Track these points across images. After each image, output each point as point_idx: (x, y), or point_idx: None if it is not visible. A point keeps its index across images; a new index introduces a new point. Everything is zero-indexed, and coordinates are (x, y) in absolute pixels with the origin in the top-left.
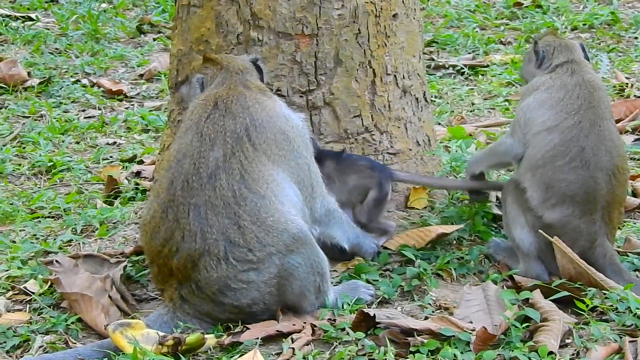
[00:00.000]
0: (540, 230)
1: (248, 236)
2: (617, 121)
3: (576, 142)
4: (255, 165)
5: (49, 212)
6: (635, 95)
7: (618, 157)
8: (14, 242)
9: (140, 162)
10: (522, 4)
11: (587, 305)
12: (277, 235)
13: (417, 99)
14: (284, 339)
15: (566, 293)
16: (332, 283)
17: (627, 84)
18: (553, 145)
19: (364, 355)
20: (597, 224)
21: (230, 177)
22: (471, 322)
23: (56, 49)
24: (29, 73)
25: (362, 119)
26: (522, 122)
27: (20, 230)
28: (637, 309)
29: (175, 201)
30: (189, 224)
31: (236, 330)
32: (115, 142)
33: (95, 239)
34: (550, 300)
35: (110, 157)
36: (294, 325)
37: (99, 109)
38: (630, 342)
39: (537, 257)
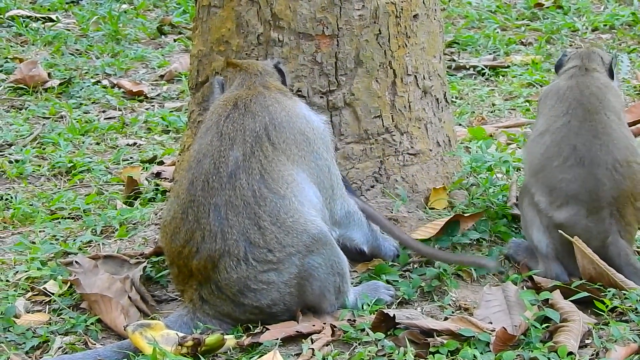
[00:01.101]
0: (560, 231)
1: (268, 237)
2: (636, 122)
3: (567, 141)
4: (275, 164)
5: (69, 213)
6: None
7: (619, 150)
8: (34, 243)
9: (161, 163)
10: (543, 4)
11: (607, 306)
12: (297, 235)
13: (437, 99)
14: (303, 340)
15: (586, 294)
16: (352, 284)
17: None
18: (546, 147)
19: (384, 356)
20: (606, 221)
21: (250, 176)
22: (491, 323)
23: (77, 49)
24: (49, 74)
25: (382, 119)
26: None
27: (40, 231)
28: None
29: (196, 201)
30: (209, 225)
31: (256, 331)
32: (135, 143)
33: (115, 240)
34: (570, 300)
35: (131, 158)
36: (313, 325)
37: (120, 110)
38: None
39: (555, 258)
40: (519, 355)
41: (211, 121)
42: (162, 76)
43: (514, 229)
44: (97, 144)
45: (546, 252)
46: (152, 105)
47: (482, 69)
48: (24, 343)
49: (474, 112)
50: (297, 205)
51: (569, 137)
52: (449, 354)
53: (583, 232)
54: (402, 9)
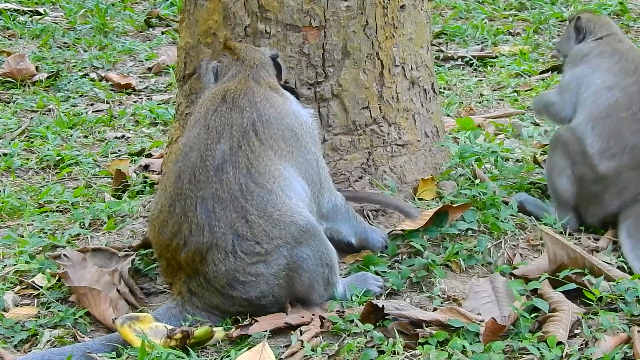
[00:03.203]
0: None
1: (256, 230)
2: None
3: (637, 99)
4: (262, 159)
5: (57, 206)
6: None
7: None
8: (22, 236)
9: (149, 156)
10: None
11: (596, 295)
12: (284, 227)
13: (425, 90)
14: (292, 332)
15: (574, 285)
16: (340, 275)
17: None
18: (615, 99)
19: (373, 347)
20: None
21: (237, 170)
22: (480, 314)
23: (64, 42)
24: (37, 67)
25: (370, 110)
26: (572, 86)
27: (28, 225)
28: None
29: (183, 194)
30: (197, 218)
31: (245, 323)
32: (123, 136)
33: (104, 233)
34: (559, 290)
35: (119, 150)
36: (302, 317)
37: (107, 103)
38: (639, 331)
39: (572, 208)
40: (508, 345)
41: (199, 114)
42: (149, 69)
43: (502, 219)
44: (85, 137)
45: (567, 200)
46: (140, 98)
47: (470, 60)
48: (13, 336)
49: (462, 102)
50: (285, 198)
51: (639, 94)
52: (438, 344)
53: (623, 182)
54: (389, 0)
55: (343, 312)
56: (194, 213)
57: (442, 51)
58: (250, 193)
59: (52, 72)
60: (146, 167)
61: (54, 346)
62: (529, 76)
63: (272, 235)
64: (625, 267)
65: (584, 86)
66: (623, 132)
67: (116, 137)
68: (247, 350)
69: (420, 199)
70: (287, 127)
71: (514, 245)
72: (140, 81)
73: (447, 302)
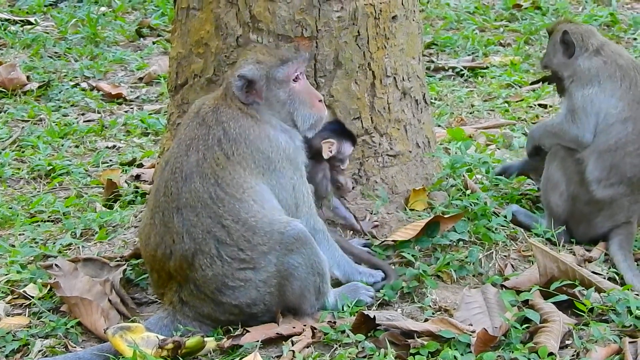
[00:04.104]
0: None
1: (234, 235)
2: None
3: None
4: (229, 172)
5: (49, 216)
6: None
7: None
8: (14, 246)
9: (140, 166)
10: (522, 5)
11: (587, 306)
12: (265, 235)
13: (416, 100)
14: (284, 342)
15: (565, 297)
16: (332, 285)
17: None
18: (626, 133)
19: (364, 357)
20: (638, 204)
21: (204, 180)
22: (471, 325)
23: (55, 52)
24: (28, 77)
25: (362, 121)
26: (588, 111)
27: (19, 234)
28: (638, 309)
29: (161, 207)
30: (175, 227)
31: (236, 333)
32: (114, 146)
33: (95, 243)
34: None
35: (110, 160)
36: (294, 327)
37: (99, 113)
38: (630, 342)
39: (563, 222)
40: (499, 356)
41: (180, 126)
42: (141, 79)
43: (493, 230)
44: (77, 146)
45: (558, 215)
46: (131, 108)
47: (461, 70)
48: (4, 346)
49: (453, 113)
50: (258, 207)
51: None
52: (430, 355)
53: (616, 207)
54: (380, 10)
55: (334, 322)
56: (173, 223)
57: (433, 62)
58: (221, 200)
59: (43, 81)
60: (137, 177)
61: (45, 356)
62: (520, 87)
63: (254, 242)
64: (617, 278)
65: (602, 114)
66: (625, 166)
67: (107, 147)
68: None
69: (412, 210)
70: (257, 150)
71: (505, 255)
72: (131, 91)
73: (438, 313)
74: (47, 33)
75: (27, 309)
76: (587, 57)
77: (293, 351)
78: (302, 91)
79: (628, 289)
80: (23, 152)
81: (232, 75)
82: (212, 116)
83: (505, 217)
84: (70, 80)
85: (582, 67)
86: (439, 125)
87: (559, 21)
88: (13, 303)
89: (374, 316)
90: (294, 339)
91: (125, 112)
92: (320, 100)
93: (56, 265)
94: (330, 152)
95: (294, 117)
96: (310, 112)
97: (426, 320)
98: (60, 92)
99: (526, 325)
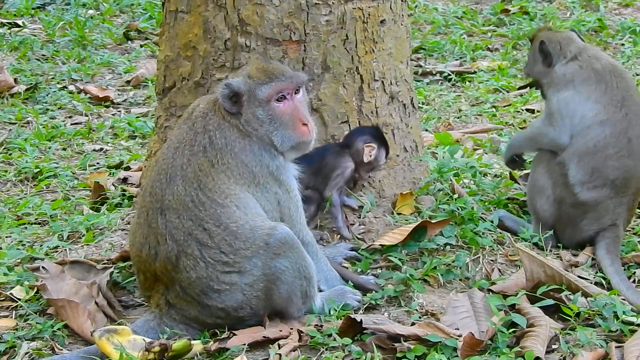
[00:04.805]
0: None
1: (216, 238)
2: None
3: (625, 134)
4: (212, 178)
5: (36, 219)
6: None
7: None
8: (0, 248)
9: (127, 169)
10: (510, 10)
11: (573, 311)
12: (247, 240)
13: (404, 105)
14: (270, 345)
15: (552, 301)
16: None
17: None
18: (605, 136)
19: None
20: (623, 206)
21: (187, 183)
22: (458, 329)
23: (43, 55)
24: (15, 79)
25: (349, 124)
26: (564, 114)
27: (6, 237)
28: (624, 313)
29: (146, 207)
30: (159, 228)
31: (223, 337)
32: (102, 149)
33: (82, 245)
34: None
35: (97, 163)
36: (280, 331)
37: (86, 116)
38: (616, 347)
39: (550, 226)
40: None
41: (176, 124)
42: (128, 82)
43: (480, 234)
44: (64, 149)
45: (545, 220)
46: (119, 111)
47: (449, 75)
48: None
49: (440, 117)
50: (240, 213)
51: (627, 131)
52: (416, 359)
53: (601, 210)
54: (369, 15)
55: (321, 326)
56: (157, 224)
57: (420, 66)
58: (202, 204)
59: (31, 84)
60: (125, 180)
61: (32, 358)
62: (508, 92)
63: (237, 246)
64: (604, 282)
65: (578, 117)
66: (607, 169)
67: (95, 150)
68: None
69: (399, 214)
70: (242, 162)
71: (492, 260)
72: (118, 94)
73: (425, 317)
74: (35, 36)
75: (14, 312)
76: (564, 64)
77: (280, 354)
78: (285, 112)
79: (615, 294)
80: (10, 154)
81: (224, 81)
82: (201, 122)
83: (492, 221)
84: (58, 83)
85: (559, 72)
86: (427, 130)
87: (539, 28)
88: (0, 305)
89: (361, 320)
90: (281, 342)
91: (113, 115)
92: (305, 124)
93: (43, 267)
94: (371, 156)
95: (272, 136)
96: (291, 135)
97: (413, 324)
98: (47, 95)
99: (513, 329)
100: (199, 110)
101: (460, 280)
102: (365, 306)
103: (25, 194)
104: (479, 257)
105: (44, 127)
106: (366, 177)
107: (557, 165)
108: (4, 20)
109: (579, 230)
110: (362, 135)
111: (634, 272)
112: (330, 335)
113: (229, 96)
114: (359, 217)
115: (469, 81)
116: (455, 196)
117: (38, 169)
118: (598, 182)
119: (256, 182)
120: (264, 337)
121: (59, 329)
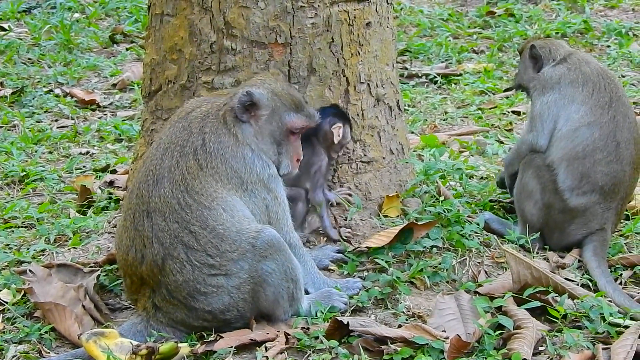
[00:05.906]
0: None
1: (202, 240)
2: None
3: (613, 138)
4: (199, 181)
5: (22, 222)
6: None
7: (638, 149)
8: None
9: (114, 172)
10: (495, 13)
11: (560, 313)
12: (234, 243)
13: (390, 107)
14: (257, 348)
15: (539, 303)
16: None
17: None
18: (593, 139)
19: None
20: (611, 211)
21: (174, 186)
22: (444, 331)
23: (29, 59)
24: (1, 83)
25: None
26: (545, 117)
27: None
28: (611, 315)
29: (132, 209)
30: (145, 231)
31: (210, 339)
32: (88, 152)
33: (69, 249)
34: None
35: (84, 166)
36: (267, 333)
37: (72, 119)
38: (603, 349)
39: (537, 230)
40: None
41: (167, 123)
42: (114, 85)
43: (467, 237)
44: (50, 152)
45: (532, 223)
46: (105, 114)
47: (435, 77)
48: None
49: (426, 120)
50: (227, 216)
51: (615, 134)
52: None
53: (590, 215)
54: (355, 17)
55: (308, 328)
56: (143, 227)
57: (406, 69)
58: (189, 207)
59: (17, 87)
60: (111, 183)
61: None
62: (493, 94)
63: (222, 249)
64: (591, 284)
65: (562, 119)
66: (595, 174)
67: (81, 153)
68: None
69: (385, 216)
70: (231, 168)
71: (478, 262)
72: (104, 97)
73: (412, 319)
74: (21, 39)
75: (1, 315)
76: (552, 66)
77: (267, 357)
78: (292, 144)
79: (601, 296)
80: None
81: (242, 87)
82: (199, 124)
83: (478, 224)
84: (44, 86)
85: (546, 75)
86: (413, 132)
87: (528, 40)
88: None
89: (348, 322)
90: (268, 344)
91: (99, 118)
92: (298, 160)
93: (30, 270)
94: (339, 135)
95: (279, 159)
96: (287, 165)
97: (400, 326)
98: (33, 99)
99: (499, 331)
100: (200, 111)
101: (447, 282)
102: (352, 308)
103: (12, 197)
104: (466, 259)
105: (30, 130)
106: (338, 157)
107: (546, 170)
108: None
109: (566, 234)
110: (326, 117)
111: (621, 274)
112: (317, 338)
113: (246, 104)
114: (345, 220)
115: (455, 83)
116: (442, 198)
117: (24, 173)
118: (587, 188)
119: (244, 188)
120: (250, 339)
121: (46, 332)
